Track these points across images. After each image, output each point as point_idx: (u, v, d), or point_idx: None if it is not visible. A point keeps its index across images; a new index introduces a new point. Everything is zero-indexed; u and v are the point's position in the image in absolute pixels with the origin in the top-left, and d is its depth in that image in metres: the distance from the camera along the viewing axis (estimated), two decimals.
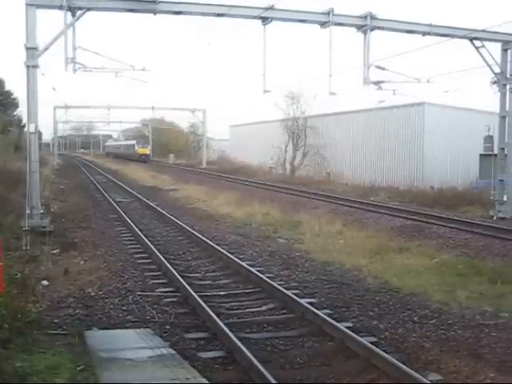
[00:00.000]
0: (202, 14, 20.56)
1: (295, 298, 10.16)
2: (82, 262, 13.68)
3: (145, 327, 8.87)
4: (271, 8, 20.07)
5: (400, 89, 26.10)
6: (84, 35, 21.48)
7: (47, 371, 6.72)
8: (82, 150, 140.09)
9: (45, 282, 11.48)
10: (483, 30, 22.62)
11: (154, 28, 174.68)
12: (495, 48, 23.95)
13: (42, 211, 18.60)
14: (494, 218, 23.86)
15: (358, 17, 21.65)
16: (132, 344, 7.90)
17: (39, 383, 6.41)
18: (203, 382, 6.52)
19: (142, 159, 77.56)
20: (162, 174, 48.67)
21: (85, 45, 20.22)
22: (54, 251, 14.80)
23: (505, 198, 24.11)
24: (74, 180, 42.98)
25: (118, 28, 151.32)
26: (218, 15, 20.34)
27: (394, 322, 9.35)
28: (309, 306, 9.58)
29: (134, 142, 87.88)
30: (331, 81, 21.92)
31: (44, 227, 17.47)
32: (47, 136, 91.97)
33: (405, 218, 22.73)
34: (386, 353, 7.54)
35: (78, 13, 18.79)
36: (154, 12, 19.55)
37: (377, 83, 23.73)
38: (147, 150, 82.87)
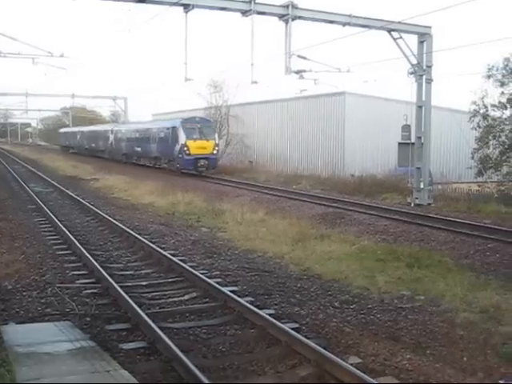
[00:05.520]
0: None
1: (217, 286, 10.16)
2: None
3: (64, 320, 8.67)
4: None
5: (321, 78, 26.59)
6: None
7: None
8: None
9: None
10: (399, 22, 23.17)
11: (73, 13, 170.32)
12: (413, 39, 24.59)
13: None
14: (412, 204, 24.55)
15: (279, 6, 21.81)
16: (51, 337, 7.71)
17: None
18: (124, 374, 6.44)
19: (198, 167, 37.74)
20: (83, 163, 47.59)
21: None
22: None
23: (421, 186, 24.85)
24: None
25: (35, 13, 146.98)
26: (139, 1, 19.99)
27: (315, 308, 9.50)
28: (231, 294, 9.60)
29: (176, 122, 39.62)
30: (253, 70, 22.03)
31: None
32: None
33: (326, 205, 23.11)
34: (307, 338, 7.65)
35: None
36: None
37: (298, 72, 24.02)
38: (212, 146, 38.30)
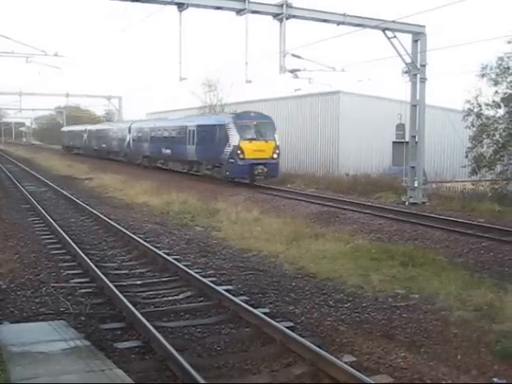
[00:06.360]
0: None
1: (212, 285, 10.16)
2: None
3: (59, 319, 8.64)
4: None
5: (315, 78, 26.62)
6: None
7: None
8: None
9: None
10: (393, 21, 23.19)
11: (67, 12, 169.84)
12: (407, 39, 24.63)
13: None
14: (406, 203, 24.59)
15: (273, 5, 21.85)
16: (45, 337, 7.69)
17: None
18: (118, 373, 6.43)
19: (254, 175, 30.24)
20: (78, 162, 47.51)
21: None
22: None
23: (416, 184, 24.90)
24: None
25: (29, 12, 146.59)
26: (133, 0, 19.98)
27: (309, 307, 9.51)
28: (225, 293, 9.62)
29: (226, 118, 32.15)
30: (247, 69, 22.05)
31: None
32: None
33: (321, 204, 23.14)
34: (302, 337, 7.67)
35: None
36: None
37: (293, 71, 24.06)
38: (271, 148, 30.52)
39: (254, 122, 30.54)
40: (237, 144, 29.59)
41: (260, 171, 29.89)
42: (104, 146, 54.59)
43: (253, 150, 29.63)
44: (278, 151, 30.65)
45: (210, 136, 32.04)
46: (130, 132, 46.54)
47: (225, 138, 30.40)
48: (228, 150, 30.11)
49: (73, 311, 9.08)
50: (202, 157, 33.58)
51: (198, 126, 34.41)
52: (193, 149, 34.36)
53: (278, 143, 30.79)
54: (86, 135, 61.71)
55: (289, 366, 7.12)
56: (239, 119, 30.73)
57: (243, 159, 29.57)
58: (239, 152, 29.50)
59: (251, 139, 29.84)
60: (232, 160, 29.91)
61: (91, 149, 59.29)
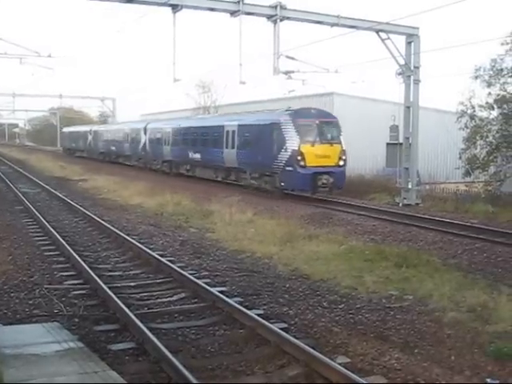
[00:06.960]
0: None
1: (206, 286, 10.16)
2: None
3: (52, 321, 8.61)
4: None
5: (309, 79, 26.70)
6: None
7: None
8: None
9: None
10: (387, 23, 23.28)
11: (61, 13, 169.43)
12: (401, 40, 24.70)
13: None
14: (400, 204, 24.65)
15: (267, 6, 21.92)
16: (39, 339, 7.65)
17: None
18: (112, 375, 6.41)
19: (318, 187, 25.02)
20: (71, 164, 47.37)
21: None
22: None
23: (409, 186, 24.96)
24: None
25: (23, 12, 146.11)
26: (127, 1, 19.99)
27: (303, 308, 9.51)
28: (220, 295, 9.60)
29: (281, 115, 26.28)
30: (241, 70, 22.10)
31: None
32: None
33: (315, 205, 23.16)
34: (296, 338, 7.66)
35: None
36: None
37: (287, 73, 24.10)
38: (337, 153, 25.36)
39: (317, 122, 25.47)
40: (296, 148, 24.59)
41: (324, 182, 24.93)
42: (113, 148, 49.95)
43: (315, 155, 24.74)
44: (344, 157, 25.71)
45: (258, 138, 27.00)
46: (145, 133, 41.76)
47: (279, 140, 25.44)
48: (284, 155, 25.10)
49: (66, 313, 9.07)
50: (245, 163, 28.38)
51: (241, 125, 29.05)
52: (233, 153, 29.18)
53: (344, 147, 25.85)
54: (91, 136, 56.59)
55: (283, 367, 7.12)
56: (298, 117, 25.51)
57: (304, 167, 24.58)
58: (299, 158, 24.50)
59: (313, 142, 24.94)
60: (290, 168, 24.86)
61: (97, 152, 54.98)
